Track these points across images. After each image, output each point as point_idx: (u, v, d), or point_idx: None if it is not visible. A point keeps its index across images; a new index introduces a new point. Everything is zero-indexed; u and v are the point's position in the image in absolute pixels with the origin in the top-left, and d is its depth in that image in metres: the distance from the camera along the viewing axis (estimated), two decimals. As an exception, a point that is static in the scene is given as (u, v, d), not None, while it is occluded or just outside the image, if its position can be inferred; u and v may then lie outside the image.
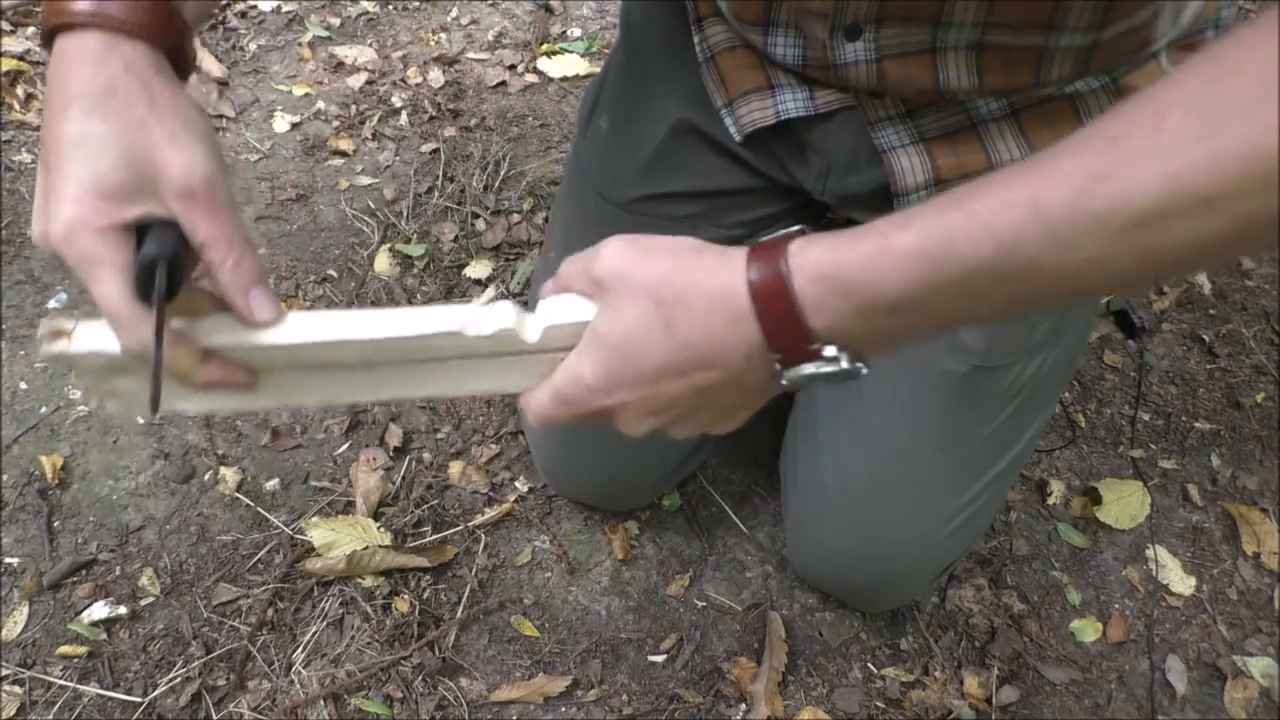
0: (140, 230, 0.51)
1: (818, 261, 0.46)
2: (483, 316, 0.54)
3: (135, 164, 0.50)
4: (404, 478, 1.23)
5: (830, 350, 0.47)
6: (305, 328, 0.53)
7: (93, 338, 0.52)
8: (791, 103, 0.80)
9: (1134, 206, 0.39)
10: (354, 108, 1.69)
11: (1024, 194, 0.41)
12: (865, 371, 0.49)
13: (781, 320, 0.47)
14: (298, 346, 0.53)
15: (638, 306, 0.51)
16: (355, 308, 1.38)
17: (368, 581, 1.13)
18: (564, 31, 1.92)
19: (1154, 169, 0.38)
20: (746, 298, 0.47)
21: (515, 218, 1.54)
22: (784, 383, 0.50)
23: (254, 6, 1.87)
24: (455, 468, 1.24)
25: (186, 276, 0.52)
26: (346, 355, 0.54)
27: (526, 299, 1.30)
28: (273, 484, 1.21)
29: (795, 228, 0.49)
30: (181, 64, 0.55)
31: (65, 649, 1.06)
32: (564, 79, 1.80)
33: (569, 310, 0.54)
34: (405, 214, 1.52)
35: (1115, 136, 0.39)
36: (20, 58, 1.67)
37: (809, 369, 0.48)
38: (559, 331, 0.54)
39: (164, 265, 0.49)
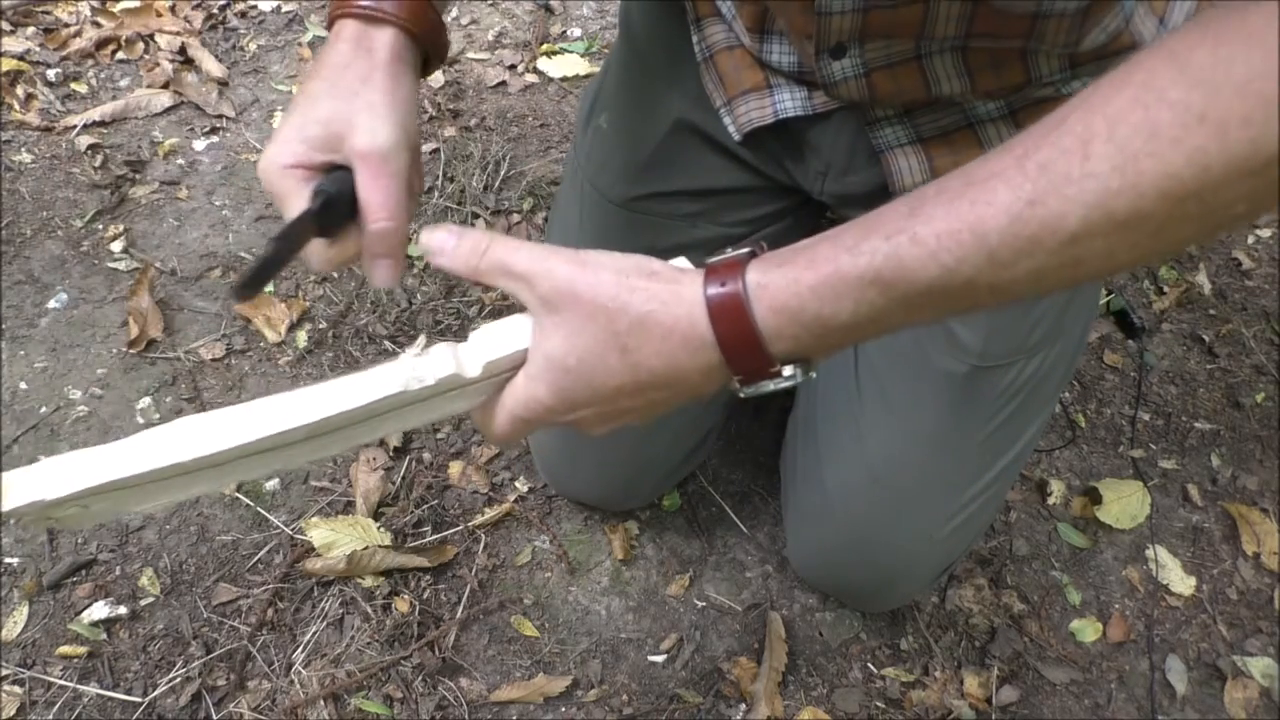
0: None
1: (777, 293, 0.48)
2: (421, 368, 0.53)
3: (334, 122, 0.58)
4: (404, 478, 1.23)
5: (789, 370, 0.50)
6: (251, 423, 0.52)
7: (25, 491, 0.50)
8: (790, 102, 0.80)
9: (1063, 230, 0.42)
10: (354, 108, 1.69)
11: (966, 220, 0.44)
12: (814, 377, 0.52)
13: (743, 349, 0.49)
14: (246, 446, 0.52)
15: (593, 331, 0.51)
16: (352, 311, 1.39)
17: (368, 581, 1.13)
18: (564, 31, 1.92)
19: (1079, 196, 0.42)
20: (708, 327, 0.49)
21: (515, 218, 1.54)
22: (740, 395, 0.53)
23: (254, 6, 1.87)
24: (455, 468, 1.24)
25: (350, 220, 0.59)
26: (292, 437, 0.54)
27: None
28: (273, 484, 1.21)
29: (745, 250, 0.51)
30: (436, 44, 0.64)
31: (65, 649, 1.06)
32: (564, 79, 1.80)
33: (505, 338, 0.54)
34: (405, 214, 1.52)
35: (1045, 164, 0.43)
36: (20, 58, 1.67)
37: (767, 385, 0.51)
38: (499, 363, 0.54)
39: (324, 195, 0.57)
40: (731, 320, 0.49)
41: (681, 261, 0.55)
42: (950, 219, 0.44)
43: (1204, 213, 0.42)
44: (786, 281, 0.48)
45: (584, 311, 0.51)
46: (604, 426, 0.57)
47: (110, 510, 0.53)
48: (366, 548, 1.13)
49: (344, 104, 0.58)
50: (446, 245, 0.55)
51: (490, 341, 0.55)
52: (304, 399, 0.52)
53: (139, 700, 1.03)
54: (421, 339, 0.55)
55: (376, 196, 0.58)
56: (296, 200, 0.58)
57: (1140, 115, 0.41)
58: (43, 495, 0.49)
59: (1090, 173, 0.42)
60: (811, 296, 0.47)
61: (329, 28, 0.63)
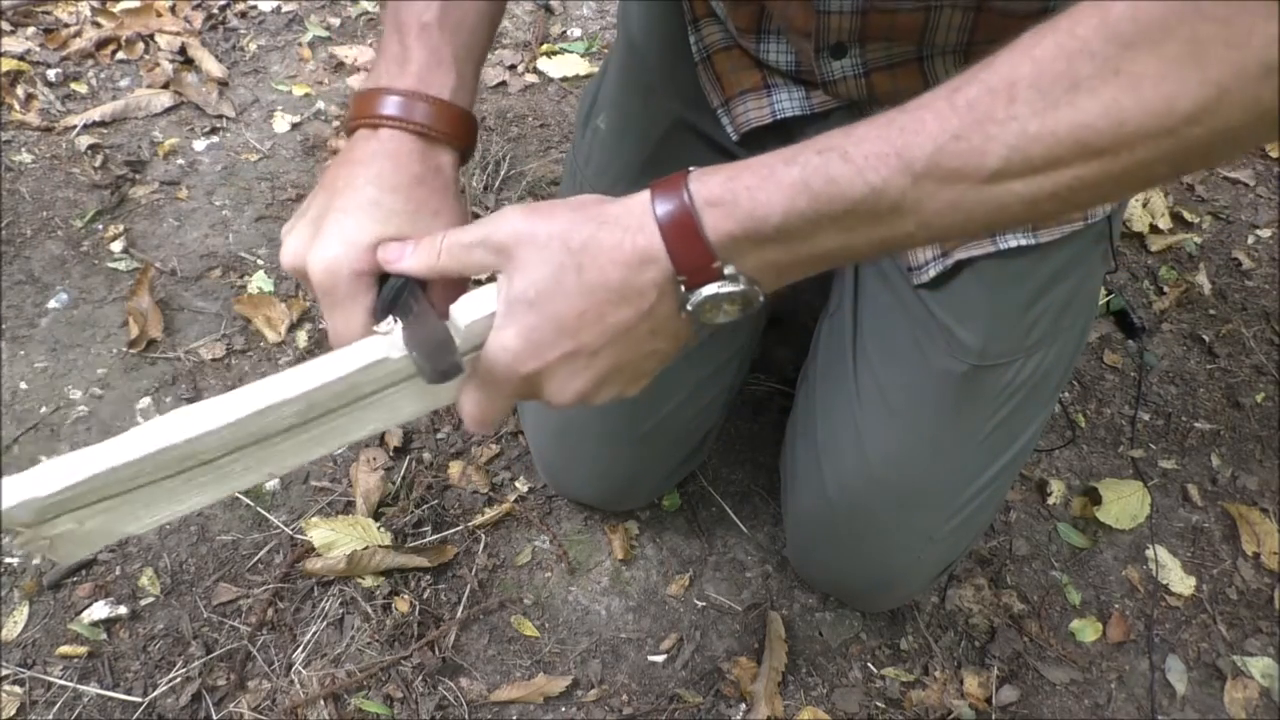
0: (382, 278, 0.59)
1: (714, 188, 0.50)
2: (396, 340, 0.54)
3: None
4: (404, 478, 1.23)
5: (730, 269, 0.51)
6: (236, 402, 0.52)
7: (18, 491, 0.49)
8: (788, 102, 0.80)
9: (984, 167, 0.45)
10: (354, 108, 1.69)
11: (895, 145, 0.46)
12: (762, 299, 0.52)
13: (686, 241, 0.50)
14: (235, 424, 0.51)
15: (548, 259, 0.52)
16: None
17: (368, 581, 1.13)
18: (564, 31, 1.92)
19: (999, 135, 0.44)
20: (654, 226, 0.50)
21: (515, 218, 1.54)
22: (689, 310, 0.52)
23: (254, 6, 1.87)
24: (455, 468, 1.24)
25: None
26: (278, 422, 0.53)
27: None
28: (273, 484, 1.21)
29: (688, 168, 0.52)
30: (469, 156, 0.65)
31: (65, 649, 1.06)
32: (564, 79, 1.80)
33: (480, 304, 0.54)
34: (405, 214, 1.52)
35: (973, 101, 0.45)
36: (20, 58, 1.67)
37: (712, 289, 0.51)
38: (480, 324, 0.54)
39: (411, 286, 0.57)
40: (674, 218, 0.50)
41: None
42: (879, 142, 0.46)
43: (1122, 170, 0.44)
44: (723, 179, 0.50)
45: (539, 243, 0.52)
46: (571, 383, 0.55)
47: (106, 528, 0.53)
48: (366, 548, 1.13)
49: (424, 223, 0.58)
50: (403, 250, 0.56)
51: (469, 306, 0.55)
52: (290, 376, 0.52)
53: (139, 700, 1.03)
54: (388, 321, 0.56)
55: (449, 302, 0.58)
56: (358, 305, 0.57)
57: (1063, 65, 0.43)
58: (35, 492, 0.49)
59: (1013, 115, 0.44)
60: (745, 195, 0.49)
61: (366, 126, 0.61)
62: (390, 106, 0.60)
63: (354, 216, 0.57)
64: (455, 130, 0.61)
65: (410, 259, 0.56)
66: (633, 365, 0.56)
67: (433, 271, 0.56)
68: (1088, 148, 0.43)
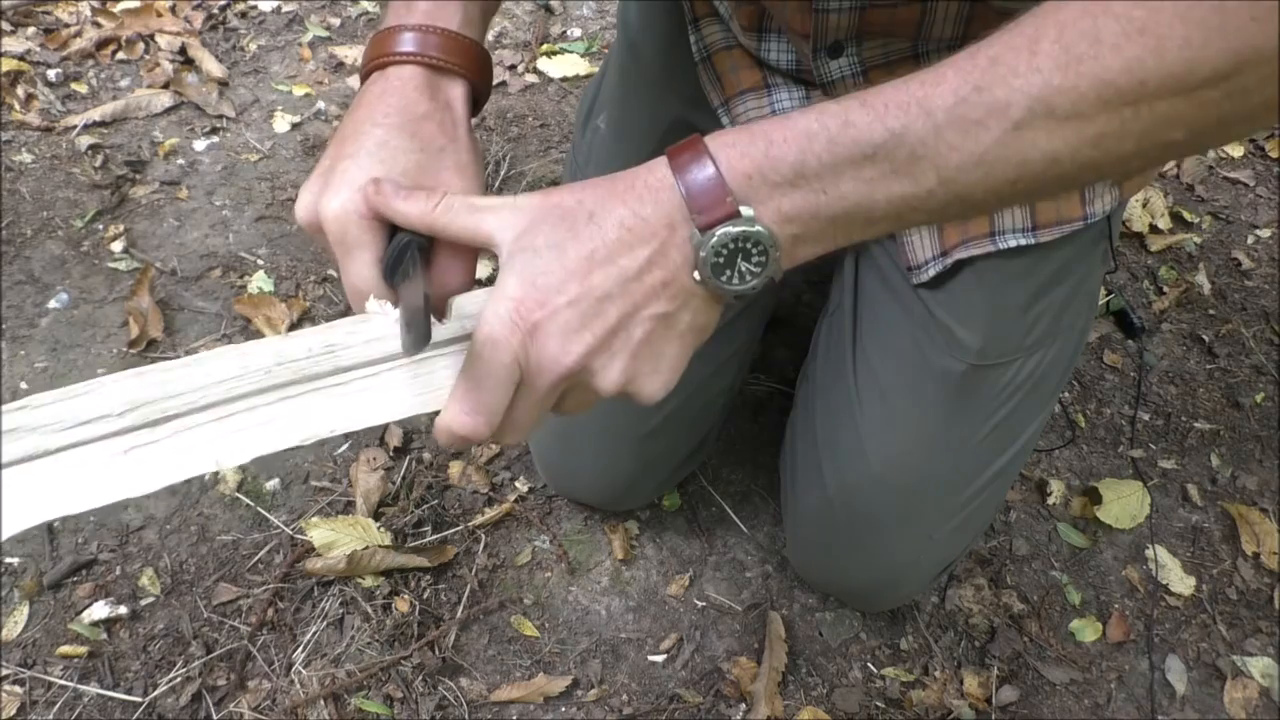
0: (393, 229, 0.56)
1: (729, 133, 0.50)
2: (387, 308, 0.53)
3: (421, 177, 0.57)
4: (404, 478, 1.23)
5: (747, 210, 0.49)
6: (199, 355, 0.49)
7: None
8: (788, 102, 0.80)
9: (1007, 118, 0.45)
10: (354, 108, 1.69)
11: (915, 95, 0.46)
12: (778, 253, 0.50)
13: (700, 178, 0.49)
14: (195, 362, 0.48)
15: (558, 212, 0.50)
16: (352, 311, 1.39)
17: (368, 581, 1.13)
18: (564, 31, 1.92)
19: (1023, 87, 0.44)
20: (666, 168, 0.50)
21: (515, 218, 1.54)
22: (702, 256, 0.49)
23: (254, 6, 1.87)
24: (455, 468, 1.24)
25: (426, 268, 0.56)
26: (243, 379, 0.49)
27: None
28: (273, 484, 1.21)
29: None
30: (488, 91, 0.63)
31: (65, 649, 1.06)
32: (564, 79, 1.80)
33: (475, 299, 0.53)
34: (405, 214, 1.52)
35: (995, 56, 0.45)
36: (20, 58, 1.67)
37: (727, 228, 0.49)
38: (470, 306, 0.53)
39: (414, 245, 0.54)
40: (688, 154, 0.49)
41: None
42: (900, 92, 0.47)
43: (1141, 129, 0.44)
44: (739, 128, 0.50)
45: (551, 203, 0.51)
46: (574, 337, 0.50)
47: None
48: (366, 548, 1.13)
49: (430, 160, 0.57)
50: (397, 192, 0.54)
51: (469, 305, 0.53)
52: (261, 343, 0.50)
53: (139, 700, 1.03)
54: (373, 302, 0.54)
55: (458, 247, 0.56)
56: (367, 253, 0.55)
57: (1088, 23, 0.43)
58: None
59: (1036, 68, 0.44)
60: (761, 135, 0.49)
61: (376, 68, 0.60)
62: (398, 43, 0.59)
63: (360, 161, 0.56)
64: (464, 61, 0.60)
65: (404, 203, 0.53)
66: (648, 334, 0.51)
67: (424, 222, 0.53)
68: (1108, 102, 0.43)
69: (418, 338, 0.49)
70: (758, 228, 0.49)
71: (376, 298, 0.54)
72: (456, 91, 0.60)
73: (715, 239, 0.49)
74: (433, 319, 0.52)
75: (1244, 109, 0.44)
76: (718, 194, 0.48)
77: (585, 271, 0.49)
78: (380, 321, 0.52)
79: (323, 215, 0.55)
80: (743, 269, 0.50)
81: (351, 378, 0.51)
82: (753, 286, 0.50)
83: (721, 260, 0.49)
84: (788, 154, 0.48)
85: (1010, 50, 0.45)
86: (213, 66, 1.71)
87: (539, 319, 0.49)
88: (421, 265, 0.54)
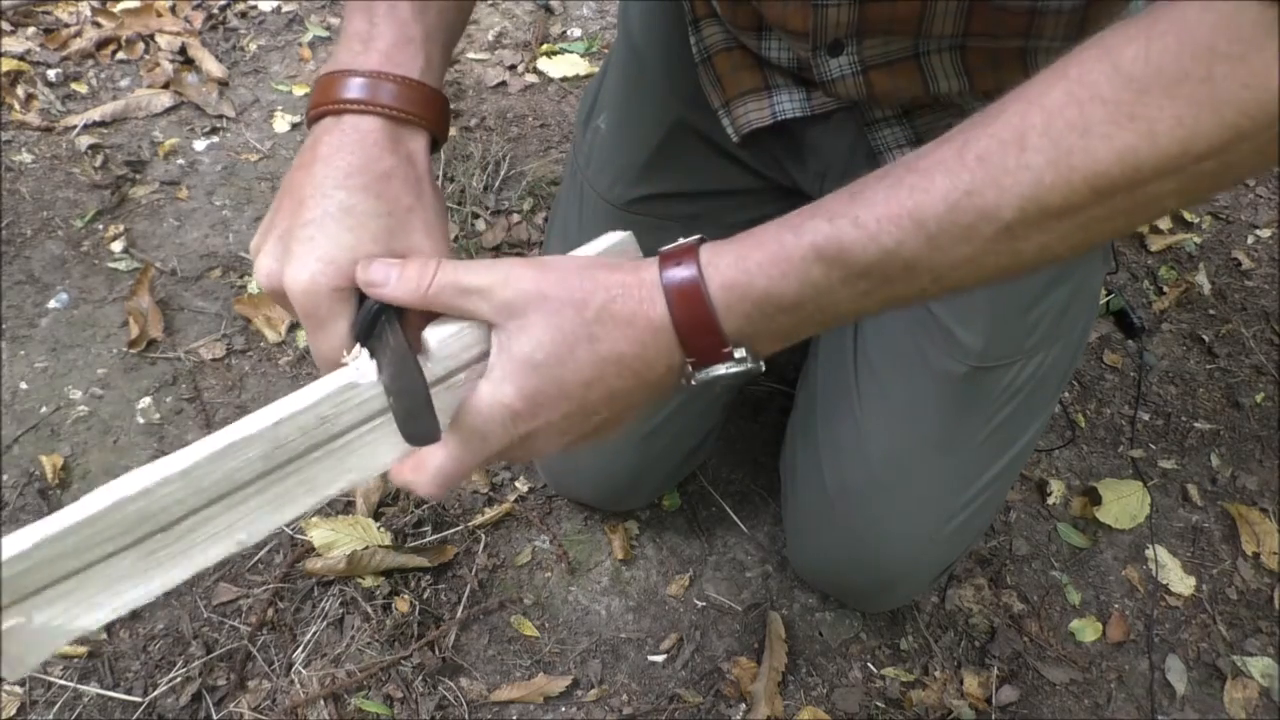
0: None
1: (726, 270, 0.49)
2: (365, 364, 0.51)
3: (391, 242, 0.54)
4: (404, 478, 1.23)
5: (740, 352, 0.50)
6: (190, 450, 0.47)
7: None
8: (788, 103, 0.80)
9: (998, 220, 0.44)
10: (354, 108, 1.69)
11: (906, 207, 0.45)
12: (763, 369, 0.52)
13: (699, 327, 0.50)
14: (193, 469, 0.47)
15: (560, 324, 0.50)
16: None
17: (368, 581, 1.13)
18: (564, 31, 1.92)
19: (1014, 188, 0.43)
20: (665, 309, 0.50)
21: (515, 218, 1.54)
22: (691, 384, 0.52)
23: (254, 6, 1.87)
24: (455, 468, 1.24)
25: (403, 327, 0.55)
26: (244, 469, 0.48)
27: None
28: (273, 484, 1.21)
29: (695, 237, 0.51)
30: (443, 139, 0.60)
31: (65, 648, 1.06)
32: (564, 79, 1.80)
33: (459, 337, 0.52)
34: (405, 214, 1.52)
35: (983, 155, 0.44)
36: (20, 58, 1.67)
37: (719, 369, 0.51)
38: (450, 348, 0.52)
39: (393, 311, 0.53)
40: (687, 300, 0.49)
41: (616, 235, 0.56)
42: (891, 204, 0.46)
43: (1133, 206, 0.43)
44: (735, 258, 0.49)
45: (551, 308, 0.50)
46: (557, 441, 0.54)
47: (59, 621, 0.48)
48: (366, 547, 1.13)
49: (399, 223, 0.55)
50: (389, 275, 0.52)
51: (444, 336, 0.52)
52: (252, 415, 0.49)
53: (139, 700, 1.03)
54: (356, 348, 0.52)
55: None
56: (340, 323, 0.53)
57: (1075, 112, 0.42)
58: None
59: (1026, 165, 0.43)
60: (759, 272, 0.48)
61: (330, 113, 0.56)
62: (354, 89, 0.55)
63: (325, 230, 0.53)
64: (425, 111, 0.57)
65: (396, 289, 0.52)
66: (621, 420, 0.55)
67: (418, 300, 0.52)
68: (1101, 193, 0.43)
69: (425, 434, 0.49)
70: (748, 366, 0.51)
71: (347, 352, 0.53)
72: (418, 144, 0.57)
73: (708, 375, 0.51)
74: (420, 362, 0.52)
75: (1241, 172, 0.43)
76: (715, 344, 0.50)
77: (582, 395, 0.51)
78: (363, 385, 0.50)
79: (290, 288, 0.53)
80: (726, 377, 0.52)
81: (348, 438, 0.51)
82: (736, 383, 0.53)
83: (706, 380, 0.52)
84: (788, 290, 0.48)
85: (999, 146, 0.44)
86: (213, 66, 1.71)
87: (532, 429, 0.52)
88: (400, 328, 0.52)
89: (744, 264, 0.49)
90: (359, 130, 0.55)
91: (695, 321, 0.49)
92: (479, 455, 0.53)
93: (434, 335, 0.52)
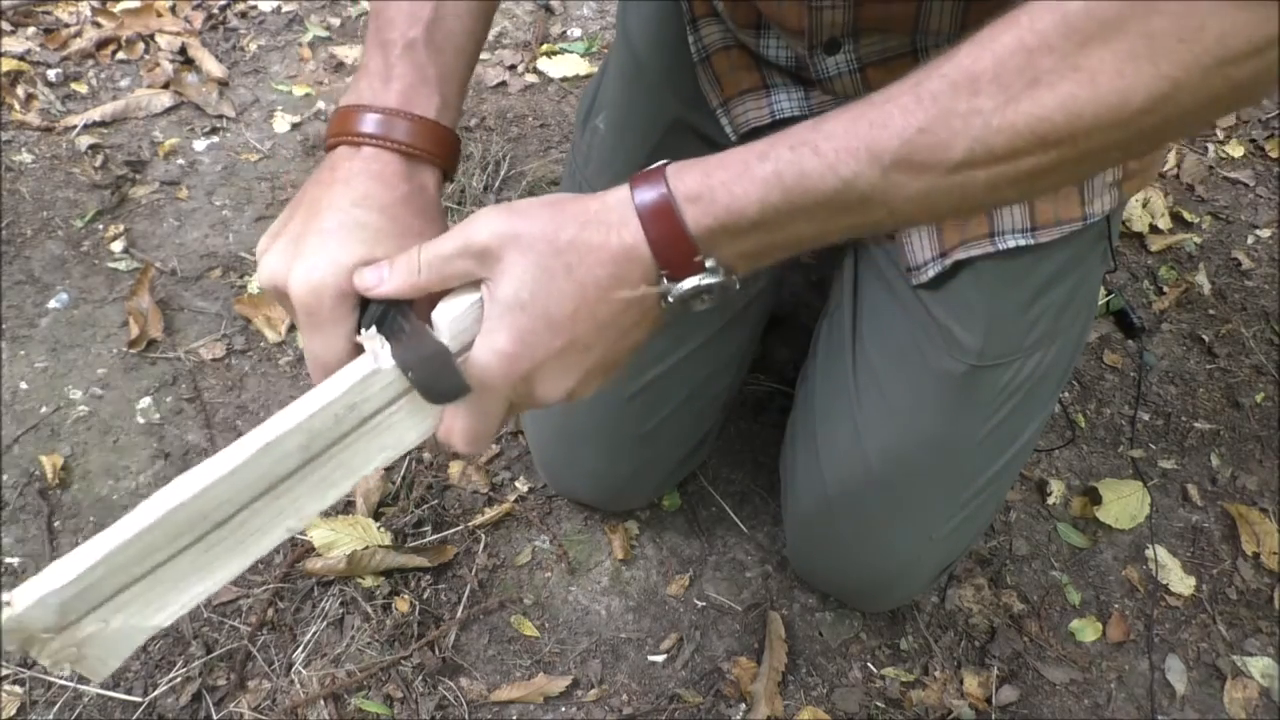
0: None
1: (692, 184, 0.51)
2: (382, 352, 0.53)
3: None
4: (404, 478, 1.23)
5: (710, 262, 0.52)
6: (233, 451, 0.50)
7: (33, 589, 0.47)
8: (787, 103, 0.80)
9: (948, 159, 0.47)
10: (354, 108, 1.69)
11: (864, 140, 0.48)
12: (739, 287, 0.54)
13: (668, 236, 0.51)
14: (240, 469, 0.50)
15: (535, 260, 0.52)
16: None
17: (368, 581, 1.13)
18: (564, 31, 1.92)
19: (964, 129, 0.46)
20: (636, 222, 0.51)
21: (515, 218, 1.54)
22: (670, 301, 0.53)
23: (254, 6, 1.87)
24: (455, 468, 1.24)
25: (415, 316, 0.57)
26: (284, 461, 0.51)
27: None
28: (273, 484, 1.21)
29: (663, 161, 0.53)
30: (452, 175, 0.64)
31: (65, 649, 1.06)
32: (564, 79, 1.80)
33: (458, 302, 0.54)
34: (405, 214, 1.52)
35: (936, 94, 0.46)
36: (21, 58, 1.67)
37: (693, 281, 0.52)
38: (462, 323, 0.54)
39: (398, 311, 0.55)
40: (656, 214, 0.51)
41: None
42: (849, 137, 0.48)
43: (1077, 155, 0.46)
44: (700, 175, 0.51)
45: (524, 244, 0.52)
46: (562, 381, 0.55)
47: (135, 622, 0.52)
48: (366, 547, 1.13)
49: (409, 244, 0.57)
50: (380, 274, 0.55)
51: (451, 314, 0.54)
52: (285, 411, 0.51)
53: (139, 700, 1.03)
54: (374, 332, 0.54)
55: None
56: (342, 329, 0.56)
57: (1023, 59, 0.44)
58: (51, 585, 0.47)
59: (975, 108, 0.45)
60: (722, 189, 0.50)
61: (348, 144, 0.60)
62: (373, 124, 0.59)
63: (338, 237, 0.56)
64: (439, 149, 0.61)
65: (390, 281, 0.55)
66: (615, 356, 0.56)
67: (414, 289, 0.54)
68: (1045, 139, 0.45)
69: (452, 388, 0.52)
70: (720, 278, 0.52)
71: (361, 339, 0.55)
72: (430, 178, 0.61)
73: (684, 289, 0.52)
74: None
75: (1180, 123, 0.45)
76: (686, 253, 0.52)
77: (571, 326, 0.53)
78: (385, 370, 0.53)
79: (293, 285, 0.55)
80: (704, 298, 0.54)
81: (377, 420, 0.54)
82: (713, 303, 0.54)
83: (687, 297, 0.53)
84: (749, 208, 0.50)
85: (951, 88, 0.46)
86: (213, 66, 1.71)
87: (529, 370, 0.54)
88: (413, 317, 0.55)
89: (708, 180, 0.51)
90: (377, 160, 0.59)
91: (665, 232, 0.51)
92: (492, 407, 0.55)
93: (441, 315, 0.54)
